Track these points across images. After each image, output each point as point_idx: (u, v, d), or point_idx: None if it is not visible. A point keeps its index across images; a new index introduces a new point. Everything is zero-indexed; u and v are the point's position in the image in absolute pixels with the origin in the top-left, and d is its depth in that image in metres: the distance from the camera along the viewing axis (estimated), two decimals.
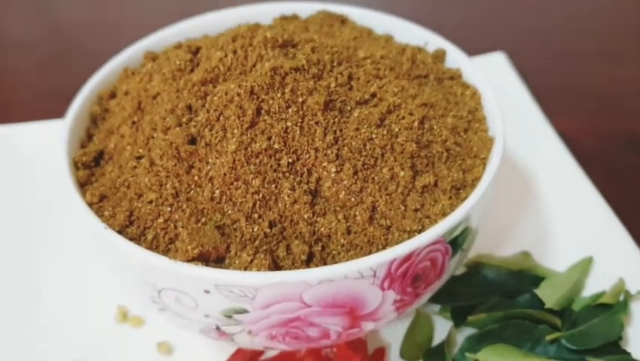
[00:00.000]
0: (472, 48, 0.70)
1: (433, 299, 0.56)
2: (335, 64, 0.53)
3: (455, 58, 0.60)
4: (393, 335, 0.57)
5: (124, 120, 0.54)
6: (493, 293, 0.58)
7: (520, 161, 0.72)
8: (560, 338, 0.53)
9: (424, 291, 0.50)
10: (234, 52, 0.53)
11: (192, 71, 0.53)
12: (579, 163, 0.71)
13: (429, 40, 0.61)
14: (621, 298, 0.57)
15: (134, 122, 0.53)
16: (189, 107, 0.50)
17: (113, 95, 0.58)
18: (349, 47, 0.56)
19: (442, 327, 0.58)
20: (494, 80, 0.81)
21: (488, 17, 1.00)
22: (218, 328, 0.48)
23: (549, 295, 0.57)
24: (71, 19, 1.03)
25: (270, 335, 0.48)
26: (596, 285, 0.59)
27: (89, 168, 0.53)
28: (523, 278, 0.60)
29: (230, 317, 0.46)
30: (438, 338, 0.57)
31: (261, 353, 0.57)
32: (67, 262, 0.66)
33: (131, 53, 0.61)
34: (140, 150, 0.50)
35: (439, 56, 0.60)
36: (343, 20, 0.64)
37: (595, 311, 0.56)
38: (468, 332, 0.56)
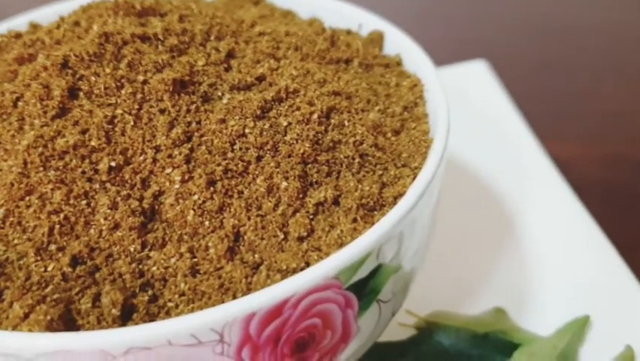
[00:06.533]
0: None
1: None
2: (212, 38, 0.37)
3: (396, 42, 0.44)
4: None
5: None
6: None
7: (497, 189, 0.55)
8: None
9: None
10: (76, 23, 0.38)
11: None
12: (576, 195, 0.54)
13: (364, 21, 0.46)
14: None
15: None
16: None
17: None
18: (242, 21, 0.40)
19: None
20: (473, 90, 0.67)
21: (471, 30, 0.85)
22: None
23: None
24: None
25: None
26: (593, 355, 0.43)
27: None
28: (490, 345, 0.43)
29: None
30: None
31: None
32: None
33: None
34: None
35: (375, 39, 0.44)
36: (257, 2, 0.49)
37: None
38: None
